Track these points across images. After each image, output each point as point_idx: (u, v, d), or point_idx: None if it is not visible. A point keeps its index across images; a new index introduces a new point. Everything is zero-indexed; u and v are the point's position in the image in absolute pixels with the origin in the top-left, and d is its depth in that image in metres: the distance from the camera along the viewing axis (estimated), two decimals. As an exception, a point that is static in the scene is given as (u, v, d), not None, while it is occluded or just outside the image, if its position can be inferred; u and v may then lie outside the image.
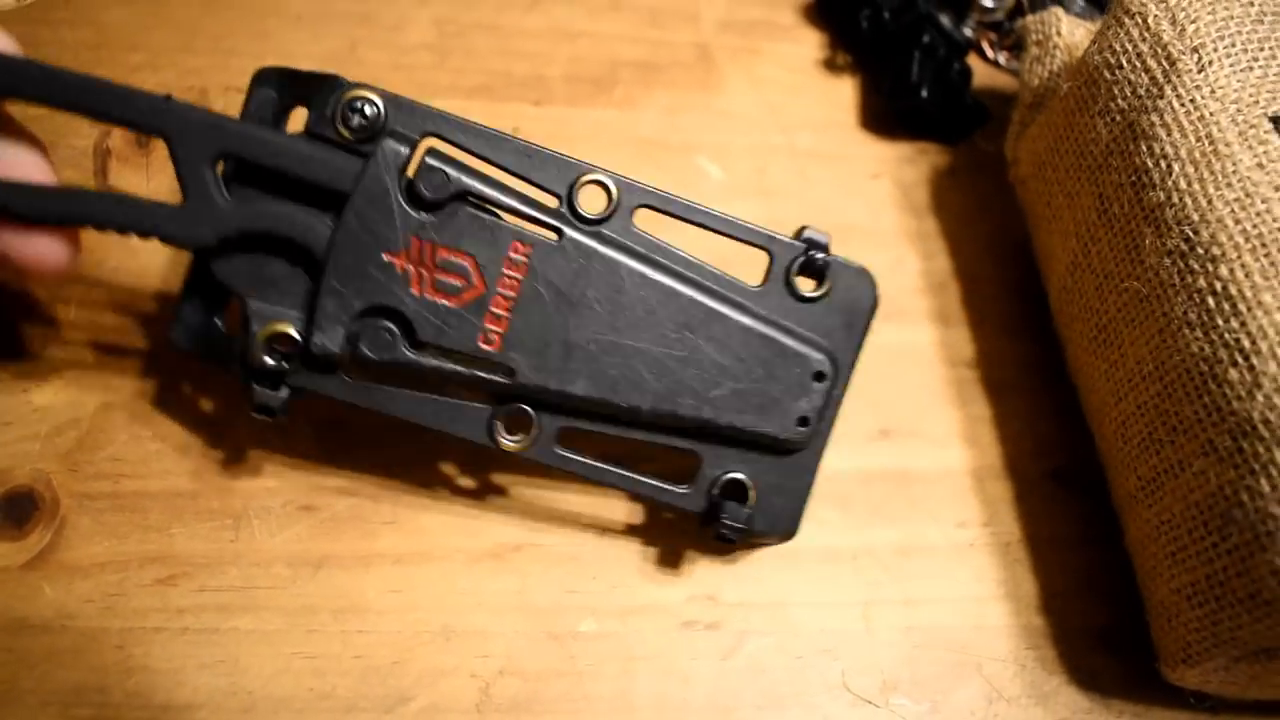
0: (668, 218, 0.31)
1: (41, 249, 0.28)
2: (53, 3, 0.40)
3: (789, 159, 0.43)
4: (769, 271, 0.32)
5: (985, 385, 0.40)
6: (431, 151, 0.29)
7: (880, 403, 0.39)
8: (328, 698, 0.31)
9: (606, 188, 0.31)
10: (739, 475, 0.32)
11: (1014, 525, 0.38)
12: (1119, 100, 0.36)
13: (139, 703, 0.31)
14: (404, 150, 0.29)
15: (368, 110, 0.29)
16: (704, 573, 0.35)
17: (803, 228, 0.32)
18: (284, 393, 0.30)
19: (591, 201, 0.30)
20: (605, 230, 0.31)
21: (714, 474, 0.32)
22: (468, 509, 0.35)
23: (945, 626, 0.36)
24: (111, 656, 0.31)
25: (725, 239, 0.32)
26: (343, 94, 0.29)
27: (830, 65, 0.47)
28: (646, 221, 0.31)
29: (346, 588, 0.33)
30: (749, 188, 0.42)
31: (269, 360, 0.29)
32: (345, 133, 0.29)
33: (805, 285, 0.32)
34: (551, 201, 0.31)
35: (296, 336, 0.29)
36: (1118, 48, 0.37)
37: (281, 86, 0.30)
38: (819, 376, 0.32)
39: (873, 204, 0.43)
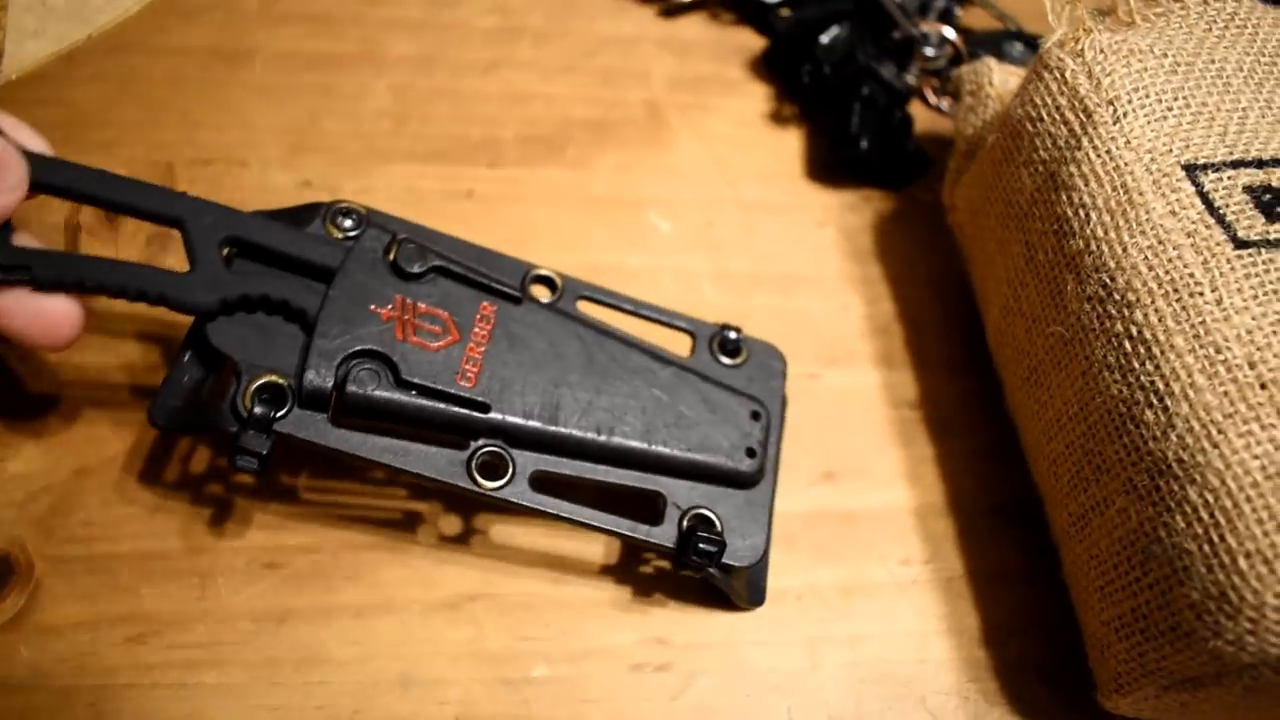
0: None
1: (57, 317, 0.31)
2: (23, 83, 0.42)
3: (737, 211, 0.45)
4: (693, 348, 0.38)
5: (928, 425, 0.42)
6: (406, 239, 0.34)
7: (824, 446, 0.40)
8: (291, 748, 0.33)
9: (552, 281, 0.37)
10: (704, 510, 0.34)
11: (957, 561, 0.39)
12: (1040, 152, 0.38)
13: (110, 758, 0.32)
14: (384, 237, 0.34)
15: (353, 215, 0.34)
16: (654, 616, 0.36)
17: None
18: (269, 441, 0.31)
19: (540, 292, 0.37)
20: (558, 306, 0.36)
21: (680, 509, 0.34)
22: (425, 561, 0.36)
23: (889, 661, 0.37)
24: (84, 713, 0.33)
25: (653, 324, 0.38)
26: (331, 206, 0.34)
27: (777, 117, 0.48)
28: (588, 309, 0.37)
29: (308, 640, 0.34)
30: (697, 240, 0.44)
31: (258, 408, 0.31)
32: (336, 233, 0.34)
33: (725, 360, 0.38)
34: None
35: (284, 384, 0.31)
36: (1038, 101, 0.38)
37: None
38: (755, 415, 0.36)
39: (818, 252, 0.45)
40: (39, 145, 0.32)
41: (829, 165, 0.47)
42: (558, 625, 0.36)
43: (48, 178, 0.31)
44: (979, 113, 0.44)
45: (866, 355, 0.43)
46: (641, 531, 0.34)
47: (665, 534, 0.34)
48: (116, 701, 0.33)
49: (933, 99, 0.50)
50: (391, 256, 0.33)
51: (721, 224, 0.45)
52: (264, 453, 0.30)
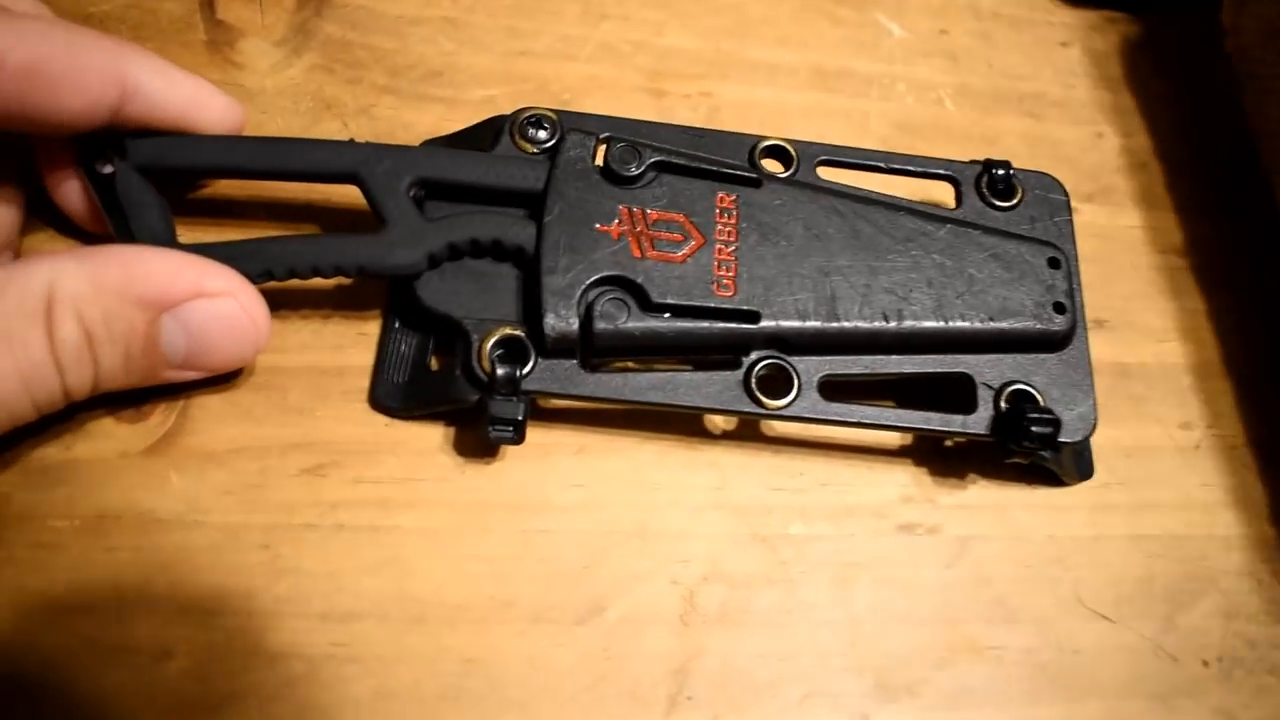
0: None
1: (256, 317, 0.26)
2: None
3: (972, 19, 0.39)
4: (958, 195, 0.32)
5: (1197, 275, 0.36)
6: (613, 138, 0.29)
7: (1089, 289, 0.34)
8: (510, 606, 0.27)
9: (784, 151, 0.31)
10: (1021, 384, 0.29)
11: (1239, 427, 0.34)
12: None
13: (292, 610, 0.26)
14: (589, 141, 0.28)
15: (545, 122, 0.29)
16: (915, 472, 0.31)
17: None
18: (522, 404, 0.27)
19: (773, 166, 0.31)
20: (798, 179, 0.30)
21: (993, 389, 0.29)
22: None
23: (1176, 536, 0.32)
24: (256, 557, 0.26)
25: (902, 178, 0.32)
26: (516, 117, 0.29)
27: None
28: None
29: (522, 481, 0.28)
30: (931, 48, 0.38)
31: (500, 369, 0.26)
32: (529, 147, 0.29)
33: (999, 203, 0.32)
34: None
35: (521, 335, 0.27)
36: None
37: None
38: (1054, 263, 0.30)
39: (1064, 73, 0.38)
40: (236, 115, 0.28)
41: (1065, -19, 0.40)
42: (811, 475, 0.30)
43: (190, 159, 0.27)
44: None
45: (1126, 192, 0.37)
46: (955, 424, 0.29)
47: (980, 421, 0.29)
48: (295, 544, 0.27)
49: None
50: (602, 161, 0.28)
51: (957, 32, 0.38)
52: (519, 418, 0.26)
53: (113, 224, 0.27)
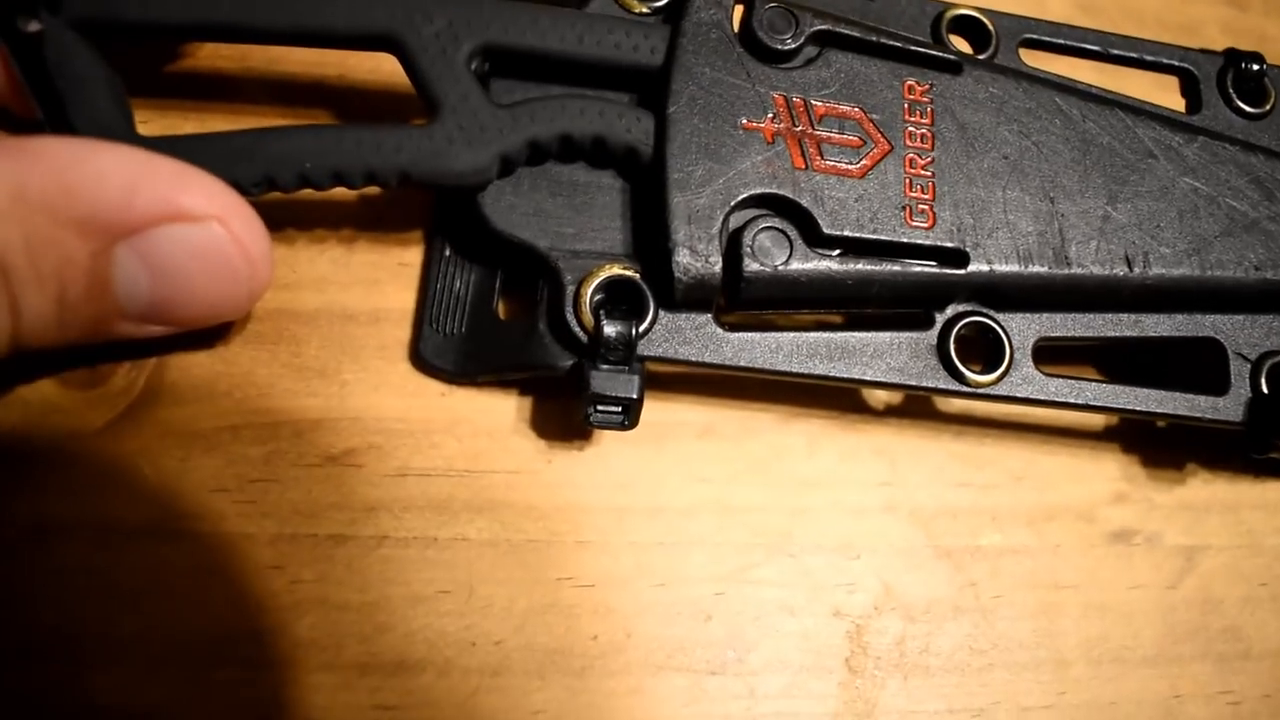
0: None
1: (251, 250, 0.17)
2: None
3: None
4: (1197, 95, 0.24)
5: None
6: None
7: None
8: (620, 651, 0.20)
9: (979, 25, 0.23)
10: None
11: None
12: None
13: (319, 660, 0.19)
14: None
15: None
16: (1124, 459, 0.24)
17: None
18: (637, 376, 0.19)
19: (962, 45, 0.23)
20: (1000, 63, 0.23)
21: (1249, 360, 0.22)
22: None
23: None
24: (265, 583, 0.19)
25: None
26: None
27: None
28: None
29: (629, 474, 0.21)
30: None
31: (609, 325, 0.18)
32: (637, 5, 0.21)
33: (1248, 108, 0.24)
34: None
35: (636, 277, 0.19)
36: None
37: None
38: None
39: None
40: None
41: None
42: (1001, 465, 0.23)
43: (151, 11, 0.18)
44: None
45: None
46: (1203, 408, 0.21)
47: (1233, 406, 0.22)
48: (319, 564, 0.19)
49: None
50: (746, 28, 0.20)
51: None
52: (634, 396, 0.19)
53: (41, 107, 0.18)
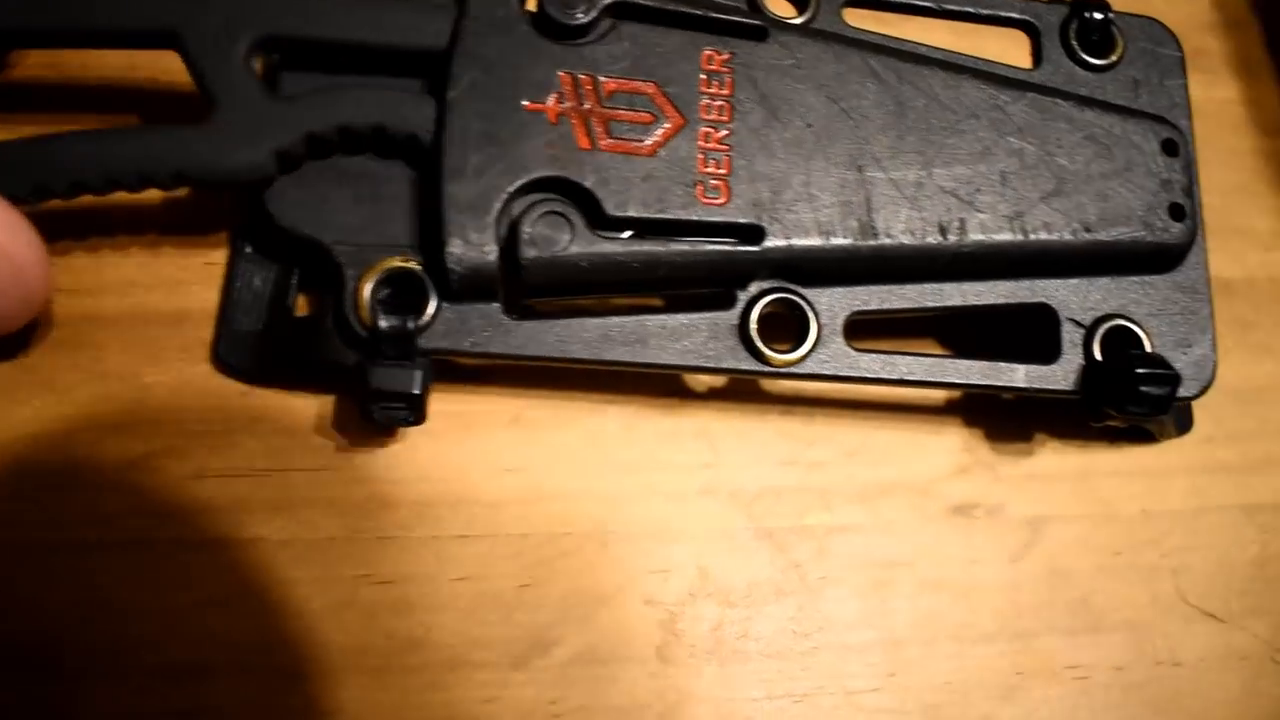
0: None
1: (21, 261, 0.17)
2: None
3: None
4: (1038, 49, 0.23)
5: (1312, 162, 0.28)
6: None
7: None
8: (419, 647, 0.19)
9: None
10: (1119, 319, 0.21)
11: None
12: None
13: (113, 665, 0.18)
14: None
15: None
16: (967, 432, 0.23)
17: None
18: (419, 371, 0.19)
19: (782, 8, 0.22)
20: (816, 27, 0.22)
21: (1082, 326, 0.21)
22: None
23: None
24: (55, 594, 0.19)
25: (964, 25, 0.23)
26: None
27: None
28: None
29: (435, 467, 0.21)
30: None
31: (385, 319, 0.18)
32: None
33: (1093, 60, 0.23)
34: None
35: (416, 269, 0.19)
36: None
37: None
38: (1169, 147, 0.22)
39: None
40: None
41: None
42: (833, 443, 0.22)
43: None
44: None
45: (1220, 57, 0.29)
46: (1032, 378, 0.21)
47: (1066, 373, 0.21)
48: (111, 572, 0.19)
49: None
50: (535, 5, 0.20)
51: None
52: (415, 391, 0.18)
53: None
